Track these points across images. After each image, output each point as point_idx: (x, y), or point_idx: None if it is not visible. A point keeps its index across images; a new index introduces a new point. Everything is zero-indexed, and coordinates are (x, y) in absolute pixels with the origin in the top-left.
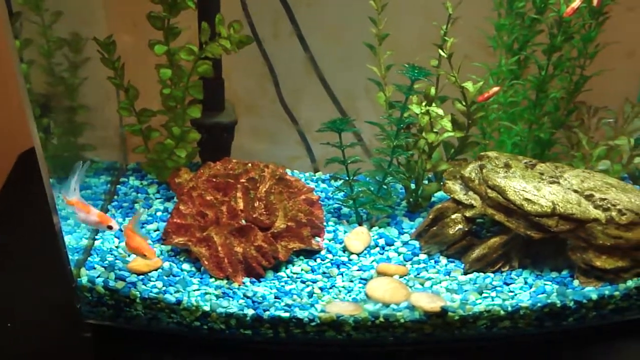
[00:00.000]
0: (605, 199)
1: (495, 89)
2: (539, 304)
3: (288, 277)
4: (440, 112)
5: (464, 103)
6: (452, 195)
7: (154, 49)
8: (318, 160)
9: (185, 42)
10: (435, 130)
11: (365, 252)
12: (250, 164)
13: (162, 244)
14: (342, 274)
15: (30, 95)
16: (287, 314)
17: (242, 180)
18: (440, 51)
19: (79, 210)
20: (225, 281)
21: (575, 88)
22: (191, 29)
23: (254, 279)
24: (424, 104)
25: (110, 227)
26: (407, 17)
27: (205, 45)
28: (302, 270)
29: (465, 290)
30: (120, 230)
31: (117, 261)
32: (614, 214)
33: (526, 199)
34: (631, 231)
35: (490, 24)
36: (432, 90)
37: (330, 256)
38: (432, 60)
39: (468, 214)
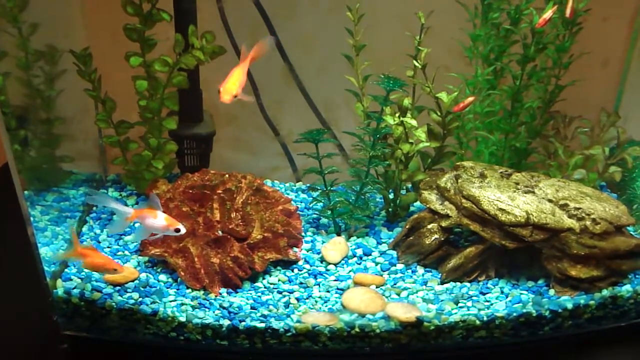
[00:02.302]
0: (579, 208)
1: (470, 99)
2: (514, 314)
3: (265, 287)
4: (414, 122)
5: (439, 113)
6: (428, 205)
7: (130, 61)
8: (299, 171)
9: (163, 54)
10: (410, 140)
11: (343, 262)
12: (227, 175)
13: (139, 255)
14: (319, 284)
15: (5, 107)
16: (262, 325)
17: (219, 192)
18: (415, 62)
19: (145, 218)
20: (202, 292)
21: (550, 97)
22: (169, 41)
23: (230, 290)
24: (397, 114)
25: (177, 230)
26: (384, 27)
27: (180, 56)
28: (279, 280)
29: (442, 300)
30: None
31: (94, 272)
32: (588, 223)
33: (500, 209)
34: (605, 240)
35: (466, 35)
36: (406, 101)
37: (307, 266)
38: (407, 70)
39: (444, 223)
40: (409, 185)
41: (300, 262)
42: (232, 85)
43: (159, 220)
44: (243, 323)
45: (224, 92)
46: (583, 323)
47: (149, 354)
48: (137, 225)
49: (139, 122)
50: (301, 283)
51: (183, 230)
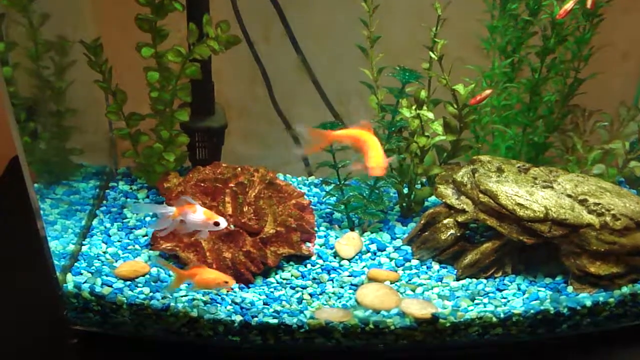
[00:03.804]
0: (599, 203)
1: (488, 91)
2: (532, 311)
3: (277, 282)
4: (431, 115)
5: (455, 106)
6: (443, 200)
7: (141, 52)
8: (312, 165)
9: (175, 45)
10: (426, 133)
11: (357, 257)
12: (239, 169)
13: (150, 250)
14: (332, 280)
15: (14, 99)
16: (275, 321)
17: (231, 185)
18: (431, 53)
19: (187, 213)
20: None
21: (569, 91)
22: (181, 32)
23: (242, 285)
24: (413, 107)
25: (217, 224)
26: (400, 19)
27: (193, 46)
28: (291, 276)
29: (457, 297)
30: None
31: (104, 267)
32: (608, 219)
33: (518, 204)
34: (626, 236)
35: (483, 26)
36: (423, 94)
37: (320, 262)
38: (423, 62)
39: (460, 219)
40: (424, 180)
41: (314, 257)
42: (379, 157)
43: (198, 214)
44: (255, 319)
45: (376, 168)
46: (602, 321)
47: (160, 349)
48: (147, 219)
49: (150, 114)
50: (314, 278)
51: (223, 224)
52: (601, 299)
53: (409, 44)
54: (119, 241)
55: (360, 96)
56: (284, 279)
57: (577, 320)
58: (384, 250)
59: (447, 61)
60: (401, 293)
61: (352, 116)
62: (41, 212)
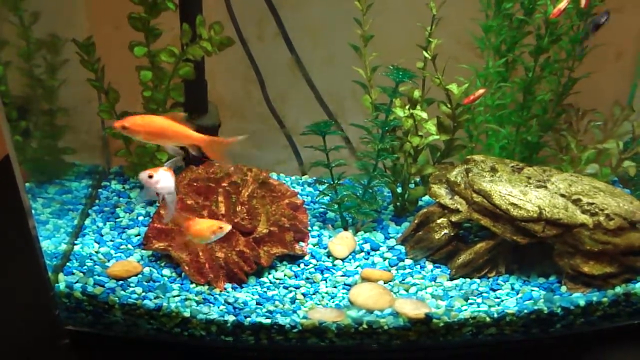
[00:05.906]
0: (593, 203)
1: (481, 91)
2: (525, 311)
3: (270, 282)
4: (424, 115)
5: (449, 105)
6: (437, 200)
7: (134, 51)
8: (305, 164)
9: (168, 44)
10: (420, 133)
11: (350, 257)
12: (232, 168)
13: (142, 249)
14: (325, 280)
15: (6, 97)
16: (268, 321)
17: (224, 184)
18: (425, 52)
19: (157, 181)
20: (206, 287)
21: (563, 90)
22: (174, 31)
23: (235, 285)
24: (407, 107)
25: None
26: (393, 17)
27: (187, 47)
28: (285, 275)
29: (451, 297)
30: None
31: (96, 266)
32: (601, 218)
33: (512, 204)
34: (619, 236)
35: (478, 25)
36: (416, 93)
37: (314, 261)
38: (417, 62)
39: (454, 218)
40: (418, 179)
41: (307, 257)
42: (133, 119)
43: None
44: (248, 319)
45: (120, 121)
46: (595, 320)
47: (152, 350)
48: (140, 218)
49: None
50: (308, 278)
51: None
52: (595, 298)
53: (403, 43)
54: (111, 241)
55: (354, 95)
56: (277, 279)
57: (570, 320)
58: (378, 249)
59: (441, 60)
60: (395, 293)
61: (345, 115)
62: (33, 211)
